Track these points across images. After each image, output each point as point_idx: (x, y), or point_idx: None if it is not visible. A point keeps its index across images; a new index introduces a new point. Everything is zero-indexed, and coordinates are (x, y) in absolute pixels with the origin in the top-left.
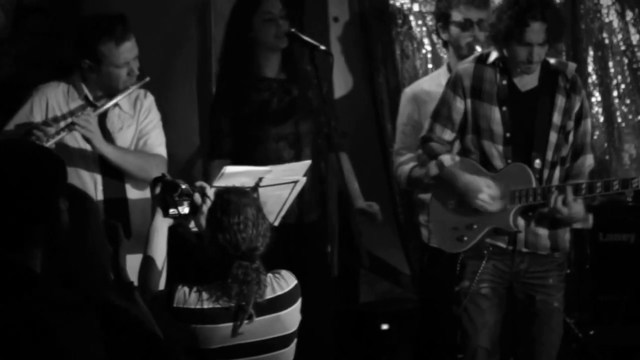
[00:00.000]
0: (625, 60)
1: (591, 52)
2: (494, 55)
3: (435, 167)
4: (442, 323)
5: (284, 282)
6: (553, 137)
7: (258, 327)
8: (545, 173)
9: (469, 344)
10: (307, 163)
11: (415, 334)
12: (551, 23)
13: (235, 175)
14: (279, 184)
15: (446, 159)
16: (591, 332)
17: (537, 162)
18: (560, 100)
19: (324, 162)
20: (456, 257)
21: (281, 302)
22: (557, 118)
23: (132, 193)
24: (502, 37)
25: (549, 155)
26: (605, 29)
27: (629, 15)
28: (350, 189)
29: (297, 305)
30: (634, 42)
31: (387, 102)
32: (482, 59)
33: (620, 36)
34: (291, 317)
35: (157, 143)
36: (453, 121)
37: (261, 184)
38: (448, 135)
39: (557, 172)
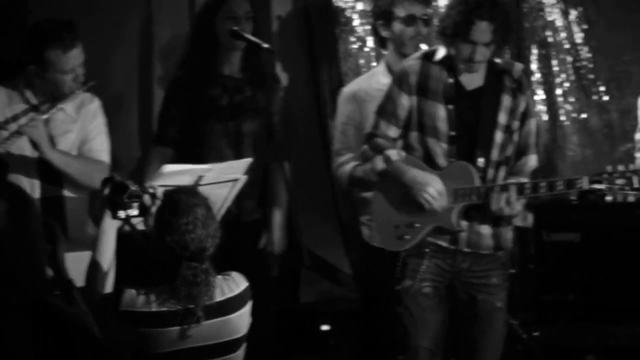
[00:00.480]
0: (569, 59)
1: (535, 50)
2: (441, 53)
3: (382, 161)
4: (384, 323)
5: (234, 284)
6: (498, 136)
7: (207, 331)
8: (490, 172)
9: (410, 343)
10: (247, 161)
11: (356, 334)
12: (498, 25)
13: (175, 174)
14: (218, 182)
15: (393, 153)
16: (535, 333)
17: (481, 161)
18: (506, 100)
19: (267, 162)
20: (397, 256)
21: (231, 305)
22: (502, 118)
23: (69, 192)
24: (449, 33)
25: (494, 154)
26: (548, 27)
27: (573, 13)
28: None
29: (247, 308)
30: (578, 41)
31: (330, 100)
32: (429, 56)
33: (563, 34)
34: (241, 320)
35: (101, 149)
36: (398, 117)
37: (201, 182)
38: (393, 131)
39: (501, 172)
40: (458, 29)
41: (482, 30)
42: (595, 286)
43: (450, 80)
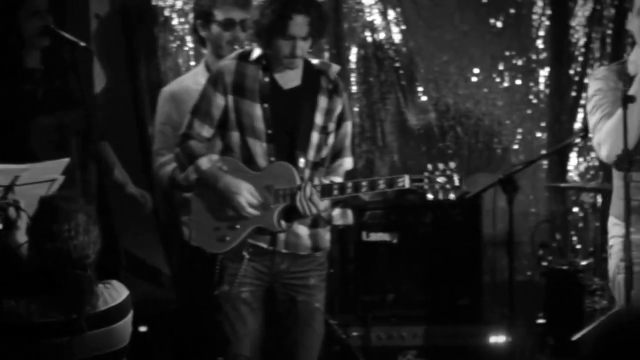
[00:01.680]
0: (388, 59)
1: (354, 50)
2: (256, 52)
3: (194, 172)
4: (202, 324)
5: (116, 292)
6: (315, 137)
7: (90, 342)
8: (307, 173)
9: (229, 352)
10: (65, 161)
11: (175, 335)
12: (314, 17)
13: None
14: (36, 182)
15: (203, 162)
16: (355, 333)
17: (302, 161)
18: (322, 101)
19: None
20: (215, 257)
21: (114, 314)
22: (319, 118)
23: None
24: (265, 32)
25: (311, 155)
26: (368, 27)
27: (391, 14)
28: (118, 175)
29: (130, 317)
30: (396, 41)
31: (148, 99)
32: (244, 56)
33: (382, 35)
34: (124, 329)
35: None
36: (212, 117)
37: (17, 182)
38: (206, 131)
39: (317, 173)
40: (275, 26)
41: (299, 24)
42: (413, 286)
43: (266, 79)
